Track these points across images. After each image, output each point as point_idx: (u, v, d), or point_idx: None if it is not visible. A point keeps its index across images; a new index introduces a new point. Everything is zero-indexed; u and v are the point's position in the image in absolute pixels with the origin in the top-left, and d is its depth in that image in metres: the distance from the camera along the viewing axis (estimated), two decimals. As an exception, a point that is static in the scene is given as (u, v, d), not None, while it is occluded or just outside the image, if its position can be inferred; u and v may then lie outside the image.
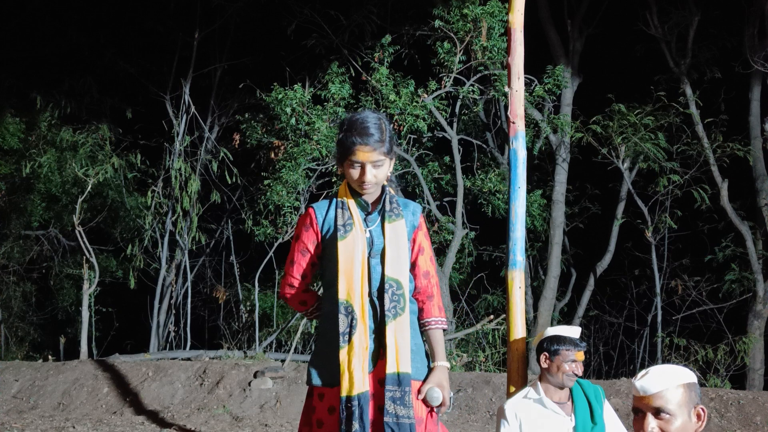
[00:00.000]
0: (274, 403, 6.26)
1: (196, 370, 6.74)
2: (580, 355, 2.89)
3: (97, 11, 10.43)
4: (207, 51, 10.03)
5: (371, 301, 2.35)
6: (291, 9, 8.87)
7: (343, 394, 2.27)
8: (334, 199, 2.45)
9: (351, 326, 2.31)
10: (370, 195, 2.43)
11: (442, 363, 2.41)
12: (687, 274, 8.90)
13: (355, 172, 2.34)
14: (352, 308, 2.32)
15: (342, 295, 2.33)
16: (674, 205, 8.68)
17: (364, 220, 2.41)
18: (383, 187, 2.45)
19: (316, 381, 2.39)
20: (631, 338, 9.24)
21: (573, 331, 2.94)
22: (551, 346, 2.92)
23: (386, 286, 2.34)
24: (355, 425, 2.24)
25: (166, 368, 6.79)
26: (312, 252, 2.46)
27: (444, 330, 2.48)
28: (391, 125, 2.44)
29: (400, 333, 2.32)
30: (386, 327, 2.31)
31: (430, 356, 2.46)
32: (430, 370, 2.42)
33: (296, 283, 2.49)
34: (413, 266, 2.46)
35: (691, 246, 9.12)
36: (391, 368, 2.29)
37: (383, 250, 2.37)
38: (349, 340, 2.30)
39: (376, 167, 2.33)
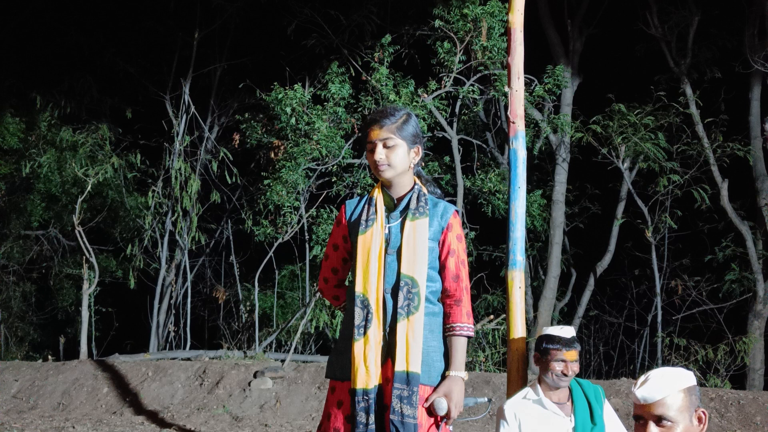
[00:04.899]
0: (274, 403, 6.26)
1: (195, 370, 6.74)
2: (570, 355, 2.86)
3: (97, 11, 10.43)
4: (207, 51, 10.03)
5: (386, 298, 2.35)
6: (291, 9, 8.87)
7: (354, 386, 2.27)
8: (366, 195, 2.49)
9: (366, 320, 2.31)
10: (396, 189, 2.42)
11: (455, 373, 2.32)
12: (687, 274, 8.89)
13: (370, 155, 2.39)
14: (368, 302, 2.32)
15: (358, 288, 2.34)
16: (674, 205, 8.67)
17: (387, 216, 2.41)
18: (414, 184, 2.44)
19: (330, 374, 2.42)
20: (631, 338, 9.23)
21: (564, 331, 2.92)
22: (541, 345, 2.93)
23: (401, 283, 2.32)
24: (361, 419, 2.24)
25: (166, 368, 6.79)
26: (342, 247, 2.51)
27: (469, 337, 2.38)
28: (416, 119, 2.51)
29: (412, 332, 2.29)
30: (397, 324, 2.29)
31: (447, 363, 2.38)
32: (443, 378, 2.34)
33: (329, 278, 2.58)
34: (442, 268, 2.40)
35: (691, 246, 9.11)
36: (400, 366, 2.26)
37: (400, 247, 2.35)
38: (365, 333, 2.30)
39: (388, 147, 2.35)
